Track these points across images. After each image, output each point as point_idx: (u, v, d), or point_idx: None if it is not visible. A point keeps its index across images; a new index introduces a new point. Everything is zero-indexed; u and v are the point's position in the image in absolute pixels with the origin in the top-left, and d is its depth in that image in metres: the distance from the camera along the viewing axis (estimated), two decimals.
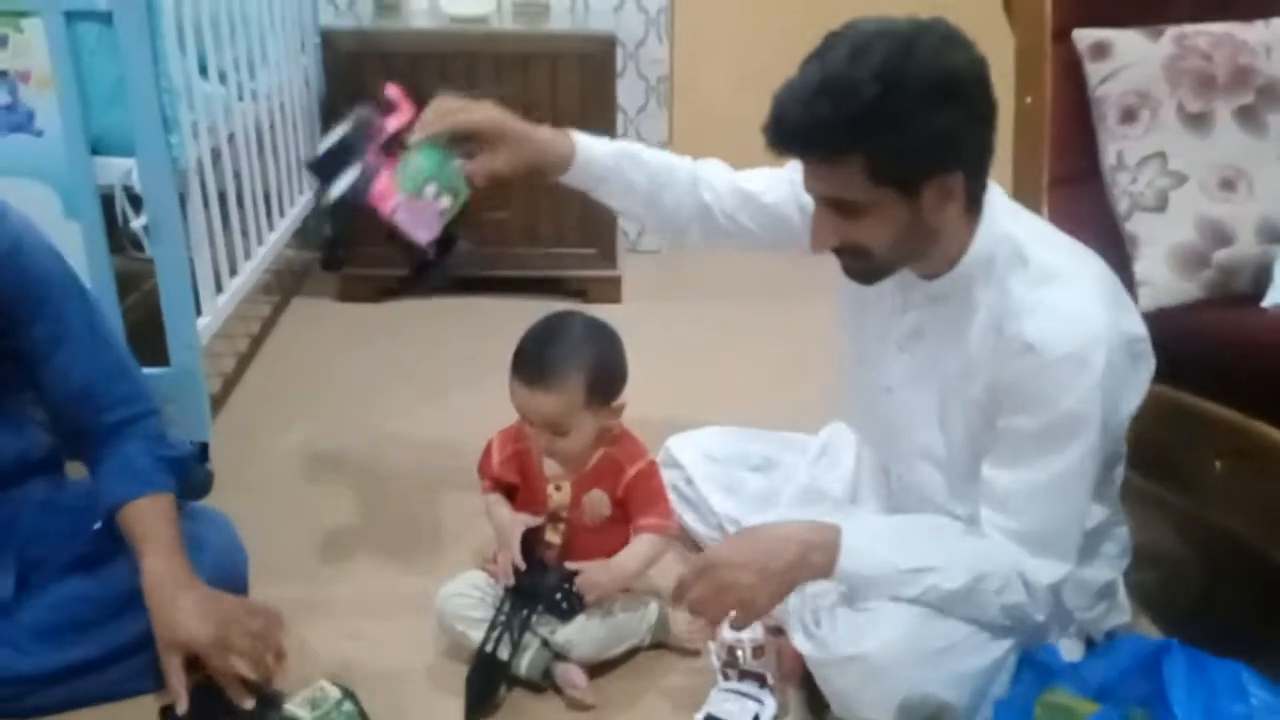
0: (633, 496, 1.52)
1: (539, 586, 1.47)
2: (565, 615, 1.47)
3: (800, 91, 1.16)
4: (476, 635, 1.47)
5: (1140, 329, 1.30)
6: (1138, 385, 1.30)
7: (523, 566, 1.47)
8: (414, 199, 1.41)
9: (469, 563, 1.66)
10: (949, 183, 1.19)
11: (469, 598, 1.51)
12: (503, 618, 1.45)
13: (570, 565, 1.49)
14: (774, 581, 1.29)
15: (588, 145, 1.49)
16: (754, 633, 1.48)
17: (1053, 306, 1.22)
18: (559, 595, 1.46)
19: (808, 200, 1.31)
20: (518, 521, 1.52)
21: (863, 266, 1.29)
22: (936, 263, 1.30)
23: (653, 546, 1.53)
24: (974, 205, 1.26)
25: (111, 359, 1.49)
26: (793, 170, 1.43)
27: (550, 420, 1.45)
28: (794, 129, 1.18)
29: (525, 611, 1.46)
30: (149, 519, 1.41)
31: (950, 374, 1.33)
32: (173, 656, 1.33)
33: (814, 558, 1.28)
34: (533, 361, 1.45)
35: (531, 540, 1.50)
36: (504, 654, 1.44)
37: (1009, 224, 1.29)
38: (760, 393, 2.26)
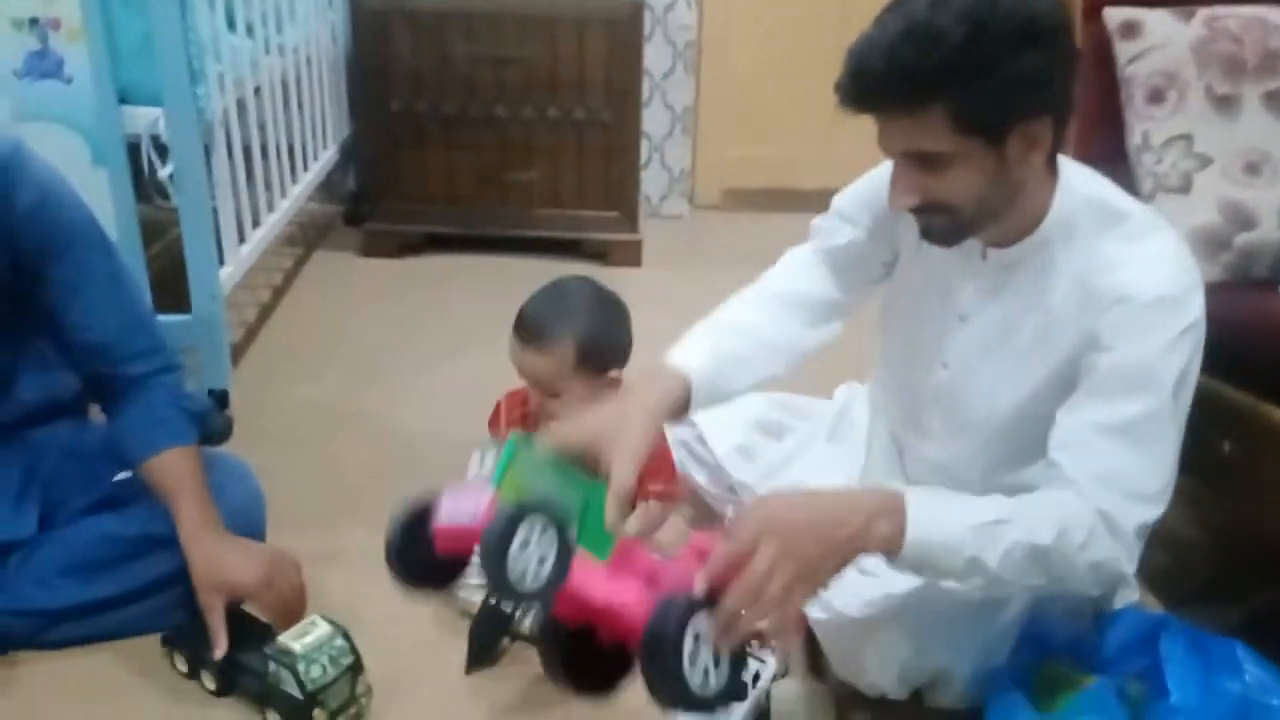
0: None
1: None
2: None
3: (882, 41, 1.13)
4: (477, 600, 1.49)
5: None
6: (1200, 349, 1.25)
7: None
8: None
9: None
10: (1035, 129, 1.16)
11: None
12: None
13: None
14: (838, 553, 1.11)
15: (694, 369, 1.30)
16: None
17: (1148, 258, 1.20)
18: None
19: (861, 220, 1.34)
20: None
21: (945, 224, 1.24)
22: (1014, 227, 1.26)
23: (660, 514, 1.52)
24: (1053, 161, 1.24)
25: (133, 313, 1.51)
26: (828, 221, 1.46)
27: (540, 380, 1.49)
28: (878, 79, 1.13)
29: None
30: (179, 470, 1.45)
31: (1023, 342, 1.30)
32: (217, 598, 1.39)
33: (881, 527, 1.12)
34: (530, 320, 1.49)
35: None
36: (507, 608, 1.46)
37: (1088, 186, 1.26)
38: None
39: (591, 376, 1.49)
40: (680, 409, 1.28)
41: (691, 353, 1.32)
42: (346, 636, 1.36)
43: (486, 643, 1.46)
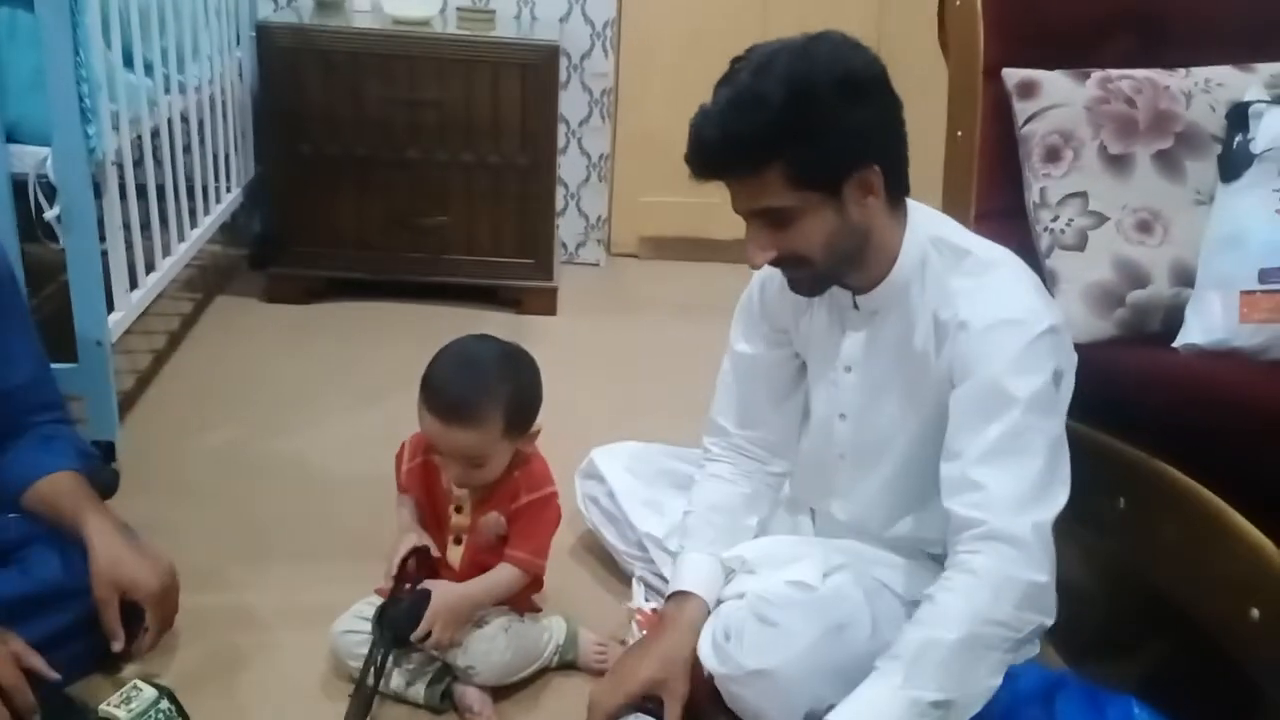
0: (516, 522, 1.49)
1: (394, 610, 1.43)
2: (398, 643, 1.42)
3: (714, 112, 1.22)
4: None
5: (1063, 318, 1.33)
6: (1071, 366, 1.30)
7: (392, 577, 1.45)
8: None
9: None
10: (867, 177, 1.24)
11: (358, 634, 1.47)
12: (374, 648, 1.42)
13: (428, 584, 1.45)
14: None
15: (706, 587, 1.45)
16: None
17: (988, 288, 1.28)
18: (398, 623, 1.41)
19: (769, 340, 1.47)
20: (408, 537, 1.48)
21: (805, 275, 1.32)
22: (872, 271, 1.33)
23: (512, 580, 1.48)
24: (895, 205, 1.31)
25: (43, 363, 1.51)
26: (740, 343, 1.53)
27: (467, 455, 1.42)
28: (712, 150, 1.22)
29: (385, 637, 1.42)
30: (75, 487, 1.45)
31: (903, 383, 1.36)
32: (113, 594, 1.37)
33: None
34: (448, 397, 1.39)
35: (417, 561, 1.47)
36: (370, 681, 1.40)
37: (936, 227, 1.34)
38: (690, 411, 2.23)
39: (516, 438, 1.44)
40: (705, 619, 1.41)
41: (691, 571, 1.45)
42: (172, 698, 1.31)
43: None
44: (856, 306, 1.38)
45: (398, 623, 1.41)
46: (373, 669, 1.40)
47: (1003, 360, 1.24)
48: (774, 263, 1.30)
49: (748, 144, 1.20)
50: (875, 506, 1.45)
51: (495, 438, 1.41)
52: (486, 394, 1.39)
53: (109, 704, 1.28)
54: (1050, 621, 1.22)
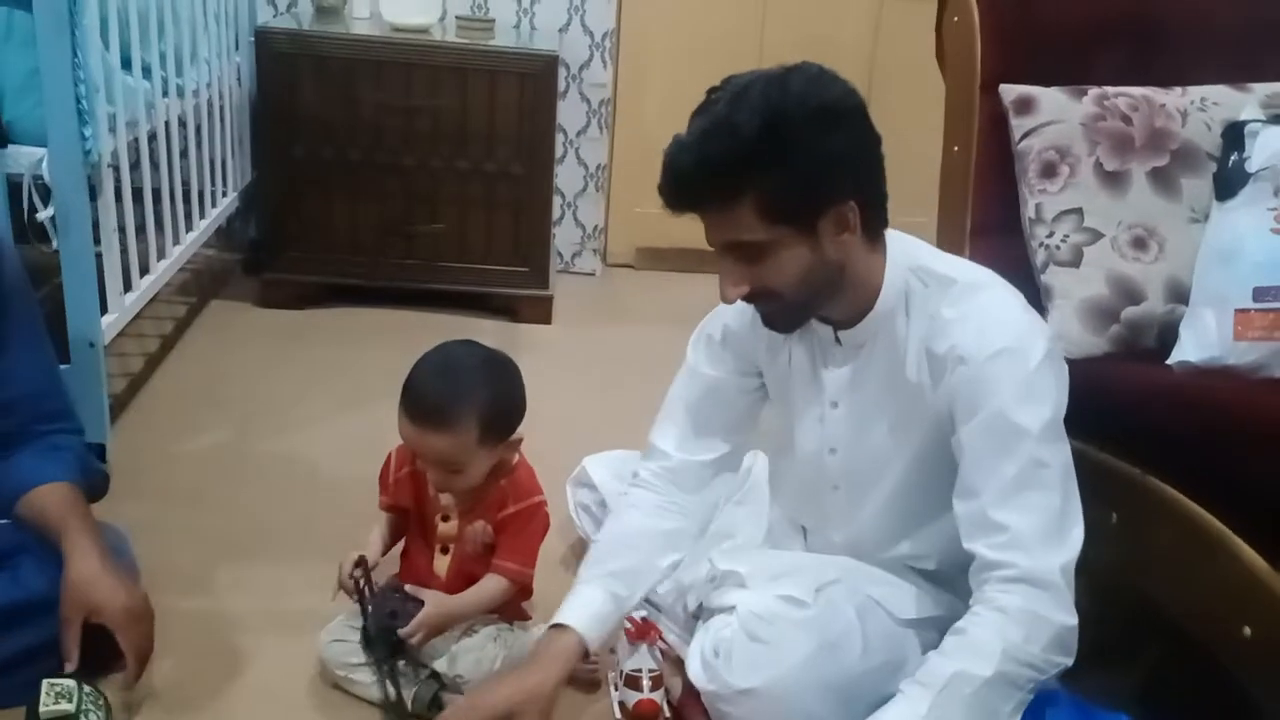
0: (503, 533, 1.48)
1: (377, 615, 1.44)
2: (384, 648, 1.43)
3: (689, 142, 1.18)
4: (358, 678, 1.46)
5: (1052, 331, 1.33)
6: (1066, 381, 1.29)
7: (351, 592, 1.46)
8: None
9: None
10: (843, 212, 1.21)
11: (348, 643, 1.47)
12: (380, 665, 1.44)
13: (410, 589, 1.46)
14: None
15: (588, 623, 1.36)
16: (653, 662, 1.47)
17: (979, 316, 1.25)
18: (382, 628, 1.42)
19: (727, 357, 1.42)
20: (350, 554, 1.48)
21: (777, 311, 1.29)
22: (852, 305, 1.31)
23: (500, 591, 1.48)
24: (874, 239, 1.28)
25: (52, 373, 1.51)
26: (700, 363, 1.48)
27: (442, 460, 1.41)
28: (688, 178, 1.19)
29: (381, 653, 1.43)
30: (68, 499, 1.42)
31: (894, 416, 1.33)
32: (77, 615, 1.34)
33: None
34: (424, 400, 1.39)
35: (364, 572, 1.47)
36: (393, 694, 1.42)
37: (915, 256, 1.31)
38: None
39: (495, 444, 1.43)
40: (583, 659, 1.38)
41: (578, 605, 1.38)
42: (80, 682, 1.31)
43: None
44: (839, 341, 1.35)
45: (384, 635, 1.42)
46: (388, 684, 1.41)
47: (1008, 392, 1.21)
48: (747, 298, 1.27)
49: (720, 174, 1.17)
50: (871, 531, 1.43)
51: (470, 444, 1.40)
52: (461, 399, 1.38)
53: (47, 707, 1.25)
54: (1071, 662, 1.20)
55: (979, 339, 1.23)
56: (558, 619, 1.37)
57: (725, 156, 1.16)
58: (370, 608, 1.44)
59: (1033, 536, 1.19)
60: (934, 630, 1.39)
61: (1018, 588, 1.18)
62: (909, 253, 1.31)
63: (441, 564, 1.51)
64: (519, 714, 1.29)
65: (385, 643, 1.42)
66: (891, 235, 1.31)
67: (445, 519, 1.50)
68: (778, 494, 1.61)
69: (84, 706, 1.26)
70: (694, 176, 1.18)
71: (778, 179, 1.16)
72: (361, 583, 1.45)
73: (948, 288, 1.28)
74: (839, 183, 1.20)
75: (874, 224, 1.26)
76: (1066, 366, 1.28)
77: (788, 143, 1.15)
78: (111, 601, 1.35)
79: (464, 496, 1.48)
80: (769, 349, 1.43)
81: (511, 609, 1.53)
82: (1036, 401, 1.21)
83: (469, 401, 1.39)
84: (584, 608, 1.37)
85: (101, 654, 1.37)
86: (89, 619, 1.34)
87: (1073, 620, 1.19)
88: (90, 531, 1.40)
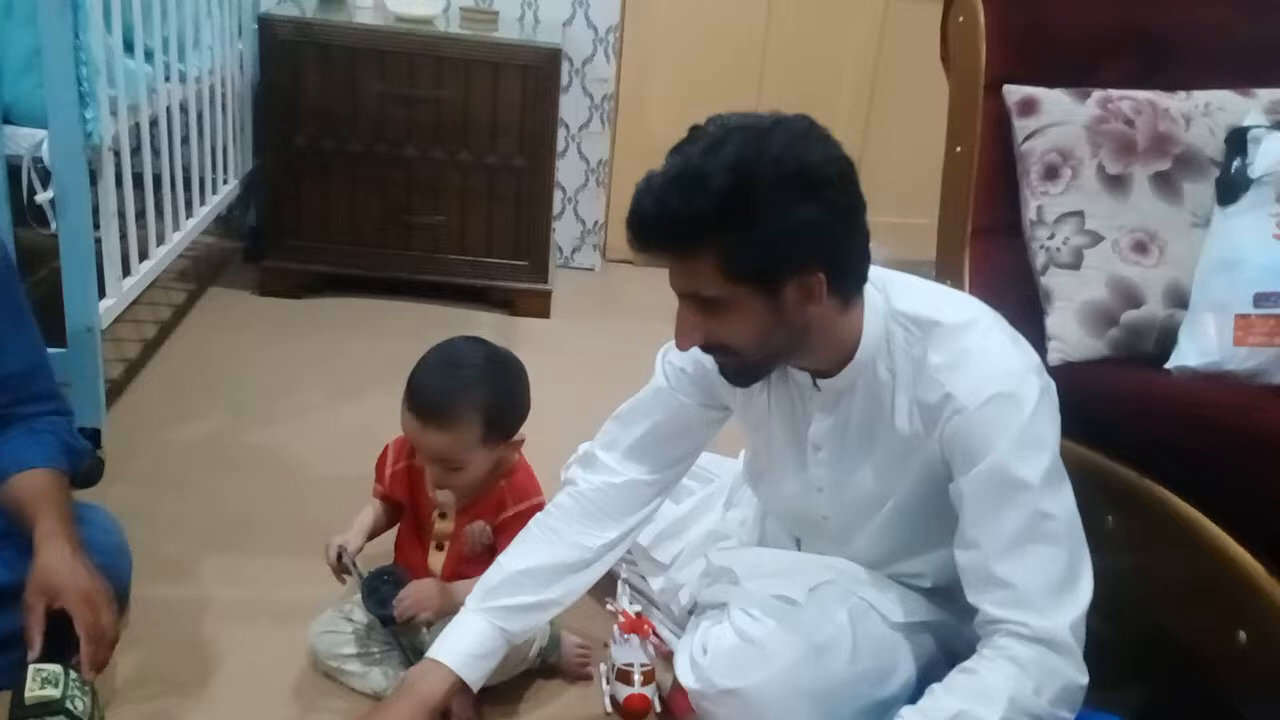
0: (504, 534, 1.47)
1: (370, 586, 1.45)
2: (378, 610, 1.44)
3: (657, 184, 1.12)
4: (350, 669, 1.46)
5: (1039, 359, 1.28)
6: (1057, 409, 1.25)
7: (337, 573, 1.48)
8: None
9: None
10: (810, 282, 1.14)
11: (339, 634, 1.48)
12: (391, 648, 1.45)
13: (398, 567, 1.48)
14: None
15: (464, 658, 1.32)
16: (645, 656, 1.46)
17: (968, 358, 1.20)
18: (377, 589, 1.44)
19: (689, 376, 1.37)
20: (334, 538, 1.49)
21: (733, 365, 1.25)
22: (826, 358, 1.26)
23: None
24: (849, 299, 1.22)
25: (39, 353, 1.48)
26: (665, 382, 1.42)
27: (443, 456, 1.40)
28: (648, 223, 1.13)
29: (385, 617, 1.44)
30: (47, 486, 1.40)
31: (881, 460, 1.30)
32: (39, 600, 1.31)
33: None
34: (427, 397, 1.38)
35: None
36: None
37: (895, 300, 1.25)
38: None
39: (496, 444, 1.43)
40: (459, 692, 1.32)
41: (460, 638, 1.33)
42: (67, 668, 1.29)
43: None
44: (818, 388, 1.31)
45: (383, 599, 1.43)
46: (406, 653, 1.43)
47: (1005, 443, 1.17)
48: (703, 348, 1.23)
49: (680, 225, 1.11)
50: (865, 553, 1.41)
51: (472, 442, 1.39)
52: (465, 397, 1.38)
53: (32, 690, 1.24)
54: (1073, 718, 1.18)
55: (971, 386, 1.18)
56: (432, 654, 1.32)
57: (687, 208, 1.10)
58: (361, 589, 1.45)
59: (1040, 594, 1.15)
60: (928, 634, 1.39)
61: (1031, 645, 1.15)
62: (888, 296, 1.26)
63: (436, 560, 1.51)
64: None
65: (381, 619, 1.43)
66: (875, 273, 1.25)
67: (442, 516, 1.49)
68: (768, 506, 1.58)
69: (70, 692, 1.24)
70: (655, 223, 1.12)
71: (740, 240, 1.10)
72: (347, 562, 1.46)
73: (931, 331, 1.23)
74: (806, 251, 1.13)
75: (846, 290, 1.20)
76: (1055, 390, 1.24)
77: (755, 206, 1.09)
78: (70, 585, 1.31)
79: (462, 495, 1.48)
80: (744, 391, 1.36)
81: None
82: (1035, 449, 1.17)
83: (471, 400, 1.38)
84: (460, 640, 1.32)
85: (71, 641, 1.33)
86: (50, 604, 1.31)
87: (1084, 679, 1.16)
88: (62, 520, 1.38)
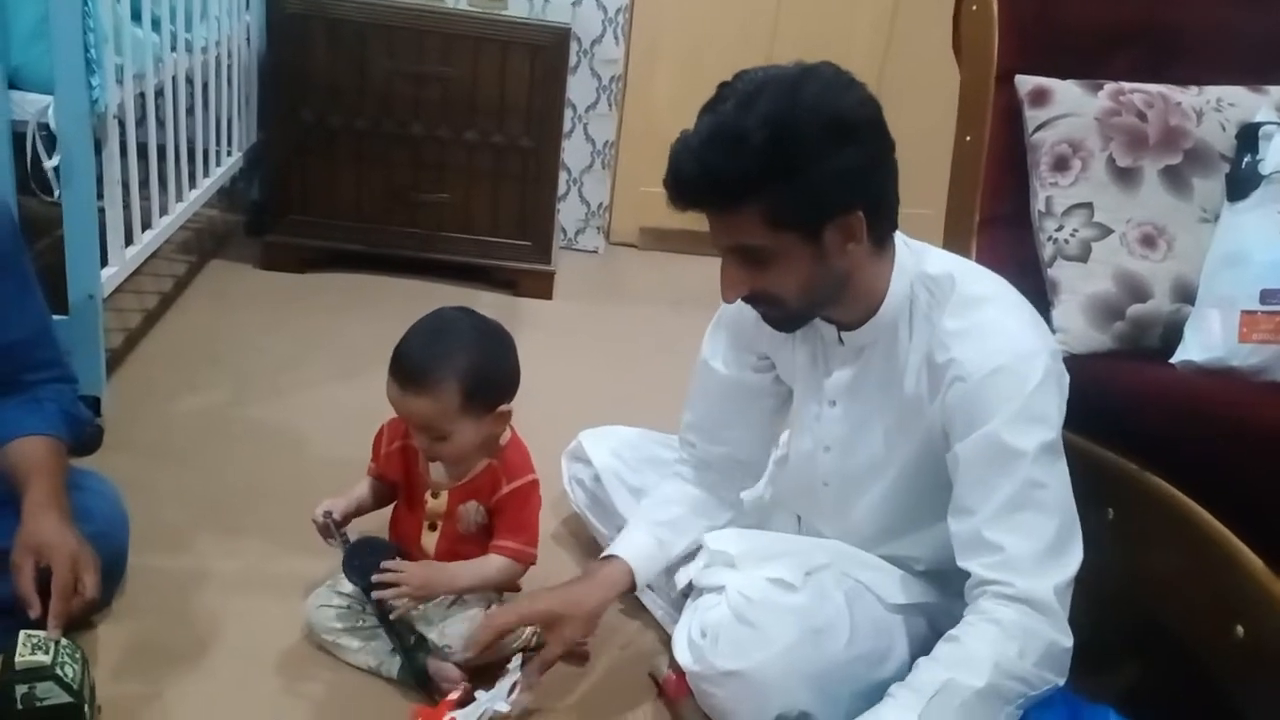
0: (501, 514, 1.47)
1: (351, 554, 1.46)
2: (357, 580, 1.44)
3: (693, 144, 1.15)
4: (344, 643, 1.46)
5: (1057, 345, 1.30)
6: (1065, 390, 1.27)
7: (324, 534, 1.49)
8: None
9: None
10: (850, 222, 1.18)
11: (335, 608, 1.48)
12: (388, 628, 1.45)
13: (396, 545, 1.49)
14: None
15: (637, 559, 1.45)
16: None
17: (981, 329, 1.23)
18: (356, 557, 1.44)
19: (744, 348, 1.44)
20: (323, 502, 1.50)
21: (778, 314, 1.28)
22: (856, 310, 1.29)
23: (500, 571, 1.46)
24: (881, 245, 1.26)
25: (43, 321, 1.49)
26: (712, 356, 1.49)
27: (425, 423, 1.39)
28: (689, 182, 1.16)
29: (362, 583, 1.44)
30: (42, 453, 1.40)
31: (889, 423, 1.32)
32: (27, 560, 1.30)
33: None
34: (408, 362, 1.37)
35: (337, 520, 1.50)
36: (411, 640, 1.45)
37: (925, 264, 1.29)
38: (680, 401, 2.24)
39: (480, 414, 1.42)
40: (629, 591, 1.46)
41: (628, 543, 1.46)
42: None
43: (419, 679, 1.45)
44: (842, 342, 1.34)
45: (364, 568, 1.43)
46: (397, 640, 1.44)
47: (1004, 413, 1.19)
48: (747, 299, 1.26)
49: (724, 182, 1.14)
50: (861, 528, 1.43)
51: (452, 409, 1.38)
52: (445, 363, 1.37)
53: (22, 657, 1.23)
54: (1062, 681, 1.19)
55: (978, 355, 1.21)
56: (610, 551, 1.44)
57: (730, 165, 1.13)
58: (343, 556, 1.45)
59: (1028, 558, 1.18)
60: (922, 616, 1.40)
61: (1014, 605, 1.17)
62: (917, 259, 1.30)
63: (429, 540, 1.50)
64: (561, 621, 1.36)
65: (362, 589, 1.44)
66: (900, 240, 1.29)
67: (435, 495, 1.49)
68: (776, 477, 1.60)
69: (60, 659, 1.24)
70: (697, 182, 1.16)
71: (783, 190, 1.13)
72: (329, 524, 1.47)
73: (950, 296, 1.26)
74: (847, 194, 1.17)
75: (881, 230, 1.24)
76: (1068, 380, 1.25)
77: (796, 157, 1.12)
78: (58, 543, 1.31)
79: (454, 472, 1.47)
80: (774, 341, 1.41)
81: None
82: (1033, 422, 1.19)
83: (451, 366, 1.37)
84: (631, 545, 1.45)
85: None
86: (38, 564, 1.30)
87: (1068, 641, 1.18)
88: (54, 491, 1.37)
